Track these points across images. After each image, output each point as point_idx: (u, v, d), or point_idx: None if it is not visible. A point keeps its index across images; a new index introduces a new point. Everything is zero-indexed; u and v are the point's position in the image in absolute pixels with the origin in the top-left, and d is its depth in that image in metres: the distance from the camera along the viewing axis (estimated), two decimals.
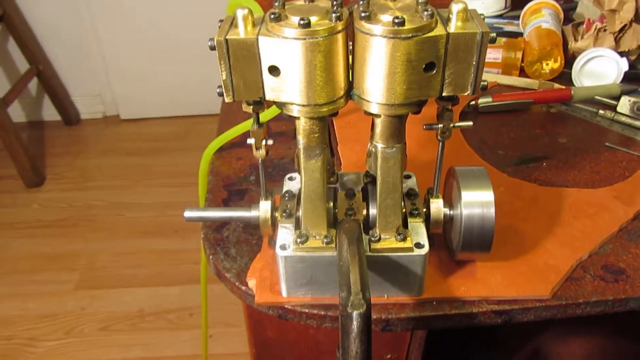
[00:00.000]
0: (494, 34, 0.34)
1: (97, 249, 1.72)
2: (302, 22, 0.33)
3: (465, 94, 0.36)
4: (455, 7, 0.34)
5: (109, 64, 2.26)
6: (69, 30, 2.18)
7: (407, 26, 0.33)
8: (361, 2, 0.35)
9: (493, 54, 0.73)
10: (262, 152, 0.41)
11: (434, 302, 0.44)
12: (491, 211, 0.41)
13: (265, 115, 0.58)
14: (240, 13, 0.35)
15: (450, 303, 0.43)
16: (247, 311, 0.57)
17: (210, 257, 0.49)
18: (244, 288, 0.46)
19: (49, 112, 2.33)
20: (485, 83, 0.36)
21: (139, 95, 2.34)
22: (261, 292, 0.45)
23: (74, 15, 2.14)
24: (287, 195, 0.46)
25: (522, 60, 0.72)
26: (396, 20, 0.33)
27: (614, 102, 0.64)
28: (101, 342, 1.42)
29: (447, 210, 0.44)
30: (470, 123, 0.40)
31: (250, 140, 0.41)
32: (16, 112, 2.23)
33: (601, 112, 0.64)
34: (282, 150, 0.63)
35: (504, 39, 0.74)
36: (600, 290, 0.44)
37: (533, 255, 0.46)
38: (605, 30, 0.69)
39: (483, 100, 0.65)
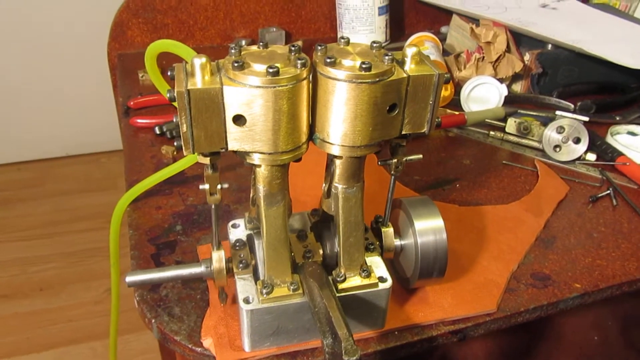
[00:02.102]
0: (448, 75, 0.36)
1: None
2: (270, 69, 0.32)
3: (422, 131, 0.38)
4: (410, 51, 0.36)
5: None
6: None
7: (374, 71, 0.34)
8: (319, 48, 0.36)
9: None
10: (218, 197, 0.39)
11: (396, 332, 0.44)
12: (443, 237, 0.43)
13: (188, 161, 0.55)
14: (198, 62, 0.33)
15: (410, 330, 0.45)
16: None
17: (152, 320, 0.45)
18: (199, 350, 0.43)
19: None
20: (439, 120, 0.38)
21: None
22: (221, 351, 0.42)
23: None
24: (237, 244, 0.44)
25: None
26: (363, 66, 0.33)
27: (501, 123, 0.71)
28: None
29: (397, 241, 0.45)
30: (420, 156, 0.42)
31: (204, 186, 0.38)
32: None
33: (492, 133, 0.71)
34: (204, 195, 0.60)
35: None
36: (535, 297, 0.48)
37: (473, 272, 0.49)
38: (483, 59, 0.77)
39: None
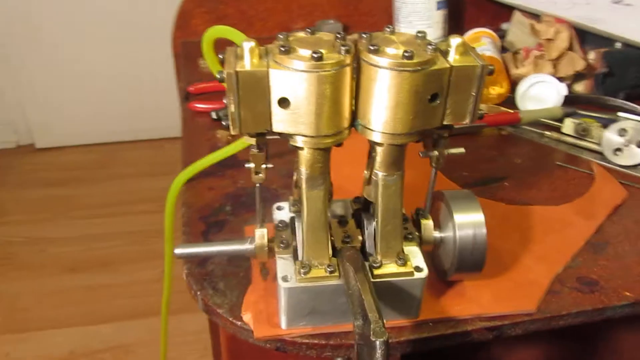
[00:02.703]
0: (492, 67, 0.36)
1: (18, 289, 1.59)
2: (315, 55, 0.33)
3: (464, 122, 0.38)
4: (454, 41, 0.36)
5: (21, 90, 2.13)
6: None
7: (416, 59, 0.34)
8: (364, 36, 0.36)
9: None
10: (262, 176, 0.41)
11: (430, 323, 0.45)
12: (483, 232, 0.43)
13: (239, 145, 0.57)
14: (247, 45, 0.35)
15: (445, 323, 0.45)
16: (228, 346, 0.56)
17: (198, 293, 0.47)
18: (239, 323, 0.45)
19: None
20: (482, 112, 0.38)
21: (56, 122, 2.21)
22: (259, 326, 0.43)
23: None
24: (280, 225, 0.45)
25: None
26: (406, 54, 0.34)
27: (558, 124, 0.69)
28: None
29: (436, 233, 0.45)
30: (462, 150, 0.42)
31: (249, 165, 0.40)
32: None
33: (547, 133, 0.69)
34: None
35: None
36: (579, 302, 0.47)
37: (515, 271, 0.49)
38: (543, 57, 0.75)
39: None
